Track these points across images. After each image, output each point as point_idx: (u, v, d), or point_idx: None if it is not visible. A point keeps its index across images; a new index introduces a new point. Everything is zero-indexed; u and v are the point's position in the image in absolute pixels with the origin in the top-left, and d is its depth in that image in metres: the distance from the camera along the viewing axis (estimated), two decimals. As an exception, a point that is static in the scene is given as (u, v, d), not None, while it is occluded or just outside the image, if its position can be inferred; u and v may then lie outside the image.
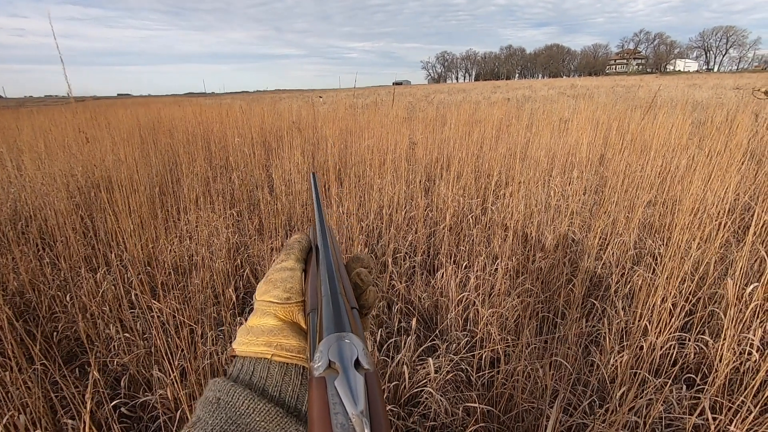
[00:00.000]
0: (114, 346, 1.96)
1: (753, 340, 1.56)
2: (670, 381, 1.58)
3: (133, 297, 2.19)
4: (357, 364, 0.23)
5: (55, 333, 2.11)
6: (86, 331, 2.04)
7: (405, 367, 1.71)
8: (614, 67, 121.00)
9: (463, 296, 2.12)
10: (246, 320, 0.35)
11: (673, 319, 1.74)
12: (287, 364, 0.31)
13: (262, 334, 0.32)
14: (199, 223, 3.06)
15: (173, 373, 1.55)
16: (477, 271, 2.33)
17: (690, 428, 1.36)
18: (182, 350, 1.86)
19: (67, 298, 2.23)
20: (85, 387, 1.74)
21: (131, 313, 2.09)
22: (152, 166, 4.61)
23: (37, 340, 1.95)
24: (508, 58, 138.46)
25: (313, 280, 0.34)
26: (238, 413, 0.27)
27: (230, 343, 2.01)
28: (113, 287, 2.26)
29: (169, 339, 1.84)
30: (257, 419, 0.27)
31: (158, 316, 2.17)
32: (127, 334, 1.91)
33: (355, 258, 0.39)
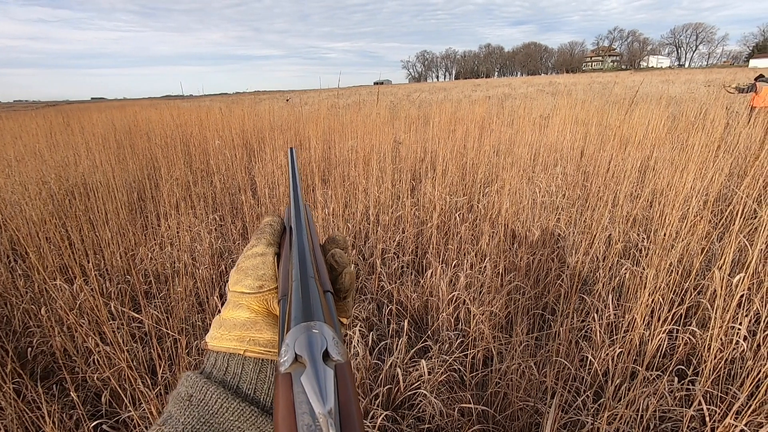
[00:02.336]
0: (93, 360, 1.88)
1: (740, 329, 1.58)
2: (662, 373, 1.59)
3: (112, 308, 2.10)
4: (327, 355, 0.21)
5: (30, 348, 2.02)
6: (63, 346, 1.95)
7: (398, 369, 1.68)
8: (590, 64, 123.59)
9: (454, 295, 2.11)
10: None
11: (661, 311, 1.75)
12: (262, 360, 0.30)
13: (234, 328, 0.30)
14: (180, 228, 2.97)
15: (158, 386, 1.49)
16: (466, 269, 2.32)
17: (687, 421, 1.37)
18: (168, 361, 1.80)
19: (42, 312, 2.13)
20: (63, 405, 1.66)
21: (111, 324, 2.01)
22: (129, 171, 4.47)
23: (9, 356, 1.85)
24: (487, 56, 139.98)
25: (285, 264, 0.32)
26: (210, 412, 0.26)
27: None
28: (91, 298, 2.17)
29: (152, 351, 1.77)
30: (231, 419, 0.26)
31: (140, 327, 2.09)
32: (107, 347, 1.83)
33: (331, 239, 0.37)
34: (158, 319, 2.04)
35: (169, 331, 1.84)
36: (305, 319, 0.23)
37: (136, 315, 1.85)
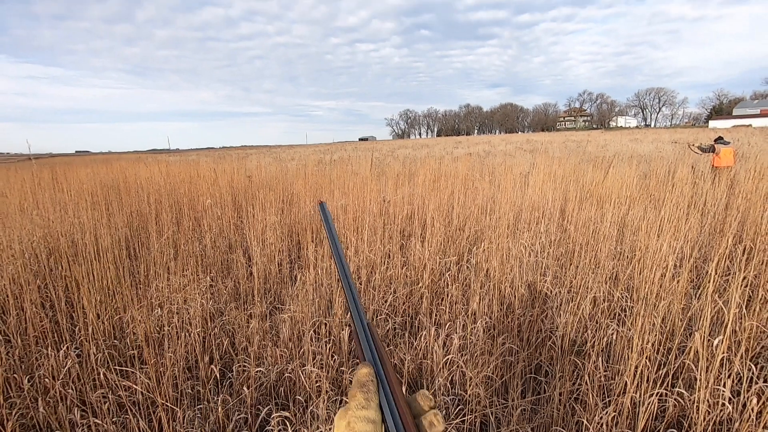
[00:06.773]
0: (79, 433, 1.80)
1: (724, 391, 1.64)
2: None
3: (101, 375, 2.05)
4: None
5: (8, 421, 1.92)
6: (46, 418, 1.87)
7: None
8: (563, 123, 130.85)
9: (449, 359, 2.13)
10: None
11: (649, 372, 1.80)
12: None
13: None
14: (170, 290, 2.95)
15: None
16: (459, 330, 2.35)
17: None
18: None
19: (25, 381, 2.05)
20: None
21: (100, 393, 1.94)
22: (119, 230, 4.46)
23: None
24: (467, 115, 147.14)
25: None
26: None
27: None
28: (77, 365, 2.11)
29: (142, 421, 1.72)
30: None
31: (128, 396, 2.03)
32: (94, 419, 1.76)
33: (424, 395, 0.38)
34: (148, 387, 1.98)
35: (160, 400, 1.79)
36: None
37: (127, 382, 1.81)
